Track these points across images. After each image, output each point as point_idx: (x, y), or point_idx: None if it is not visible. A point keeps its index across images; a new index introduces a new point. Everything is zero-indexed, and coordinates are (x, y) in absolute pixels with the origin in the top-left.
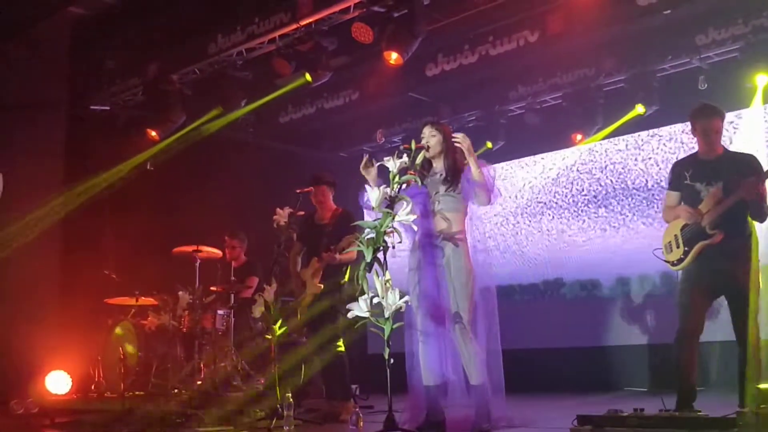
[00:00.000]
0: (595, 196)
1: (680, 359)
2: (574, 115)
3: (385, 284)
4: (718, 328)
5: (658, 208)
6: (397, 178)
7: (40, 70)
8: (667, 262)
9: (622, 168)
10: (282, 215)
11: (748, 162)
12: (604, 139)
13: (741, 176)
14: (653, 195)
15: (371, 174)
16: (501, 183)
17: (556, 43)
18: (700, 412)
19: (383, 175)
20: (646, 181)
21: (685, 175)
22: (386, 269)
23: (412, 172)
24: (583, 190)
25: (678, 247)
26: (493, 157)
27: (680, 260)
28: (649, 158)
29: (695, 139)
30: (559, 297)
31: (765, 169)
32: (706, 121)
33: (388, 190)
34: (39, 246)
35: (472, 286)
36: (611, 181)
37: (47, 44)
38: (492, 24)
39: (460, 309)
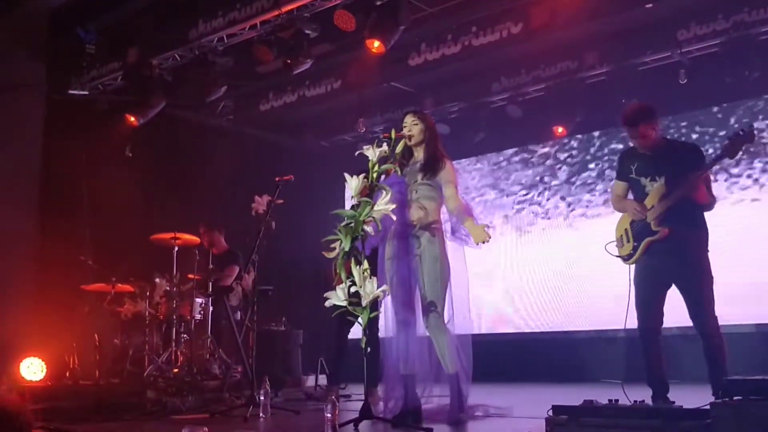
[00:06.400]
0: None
1: (647, 354)
2: (556, 108)
3: (363, 273)
4: (688, 319)
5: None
6: (376, 167)
7: (19, 53)
8: (620, 256)
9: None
10: (261, 203)
11: (689, 153)
12: (579, 134)
13: (683, 169)
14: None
15: None
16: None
17: (539, 35)
18: (674, 403)
19: (363, 163)
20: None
21: (631, 168)
22: (364, 258)
23: (392, 161)
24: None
25: (628, 241)
26: (474, 149)
27: (630, 255)
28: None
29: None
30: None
31: (706, 160)
32: (631, 129)
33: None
34: (15, 231)
35: (447, 276)
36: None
37: (27, 27)
38: (475, 14)
39: (435, 298)
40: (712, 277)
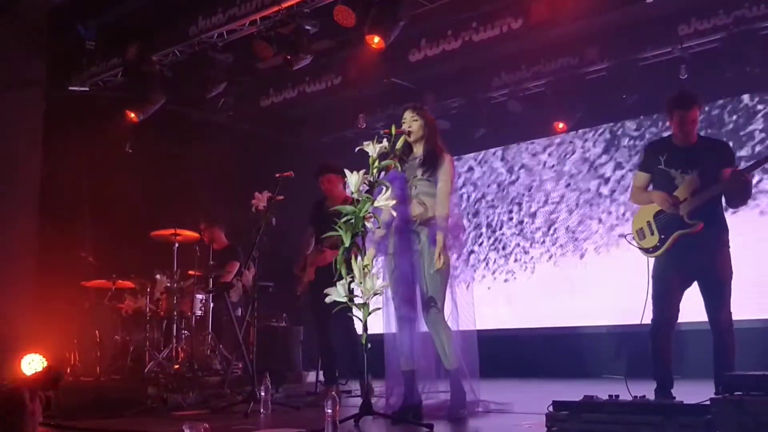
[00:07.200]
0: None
1: (656, 349)
2: (557, 104)
3: (364, 269)
4: (695, 315)
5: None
6: (376, 163)
7: (19, 50)
8: (641, 248)
9: (599, 159)
10: (261, 199)
11: (723, 150)
12: (581, 129)
13: (716, 165)
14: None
15: None
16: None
17: (539, 30)
18: (675, 398)
19: (363, 159)
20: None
21: (660, 159)
22: (365, 254)
23: (392, 157)
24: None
25: (652, 234)
26: (475, 145)
27: (656, 248)
28: (630, 146)
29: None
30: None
31: (736, 158)
32: (684, 112)
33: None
34: (15, 228)
35: (447, 272)
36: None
37: (27, 24)
38: (475, 10)
39: (435, 294)
40: (732, 273)
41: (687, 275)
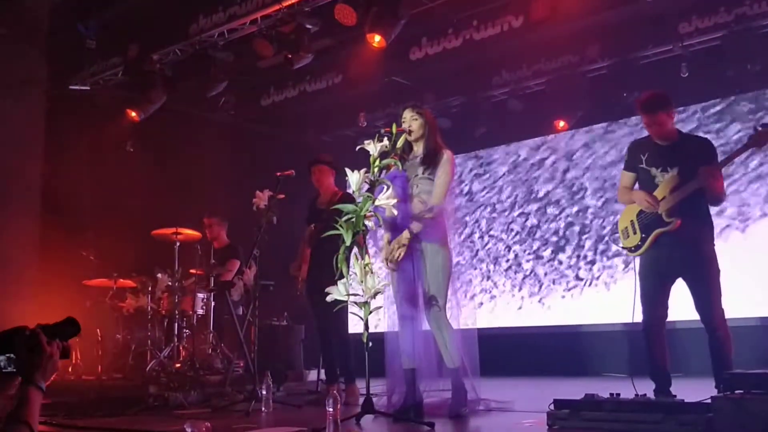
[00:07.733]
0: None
1: (651, 347)
2: (557, 102)
3: (365, 268)
4: (695, 312)
5: None
6: (377, 162)
7: (21, 49)
8: (625, 248)
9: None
10: (262, 198)
11: (703, 148)
12: (581, 127)
13: (696, 162)
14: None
15: None
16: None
17: (540, 28)
18: (675, 396)
19: (364, 158)
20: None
21: (641, 158)
22: (366, 252)
23: (394, 156)
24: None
25: (635, 233)
26: (475, 144)
27: (638, 246)
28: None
29: None
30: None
31: (718, 156)
32: (648, 115)
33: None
34: (16, 227)
35: (449, 270)
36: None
37: (28, 23)
38: (476, 8)
39: (436, 292)
40: (719, 270)
41: (669, 273)
